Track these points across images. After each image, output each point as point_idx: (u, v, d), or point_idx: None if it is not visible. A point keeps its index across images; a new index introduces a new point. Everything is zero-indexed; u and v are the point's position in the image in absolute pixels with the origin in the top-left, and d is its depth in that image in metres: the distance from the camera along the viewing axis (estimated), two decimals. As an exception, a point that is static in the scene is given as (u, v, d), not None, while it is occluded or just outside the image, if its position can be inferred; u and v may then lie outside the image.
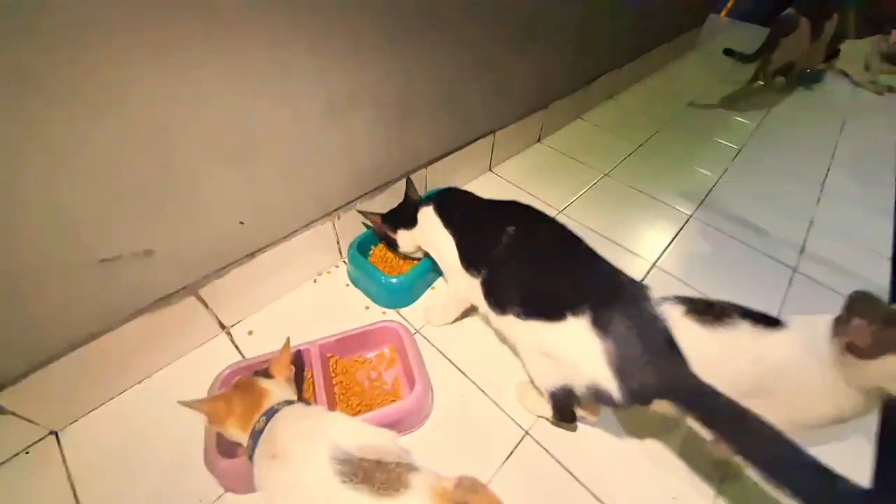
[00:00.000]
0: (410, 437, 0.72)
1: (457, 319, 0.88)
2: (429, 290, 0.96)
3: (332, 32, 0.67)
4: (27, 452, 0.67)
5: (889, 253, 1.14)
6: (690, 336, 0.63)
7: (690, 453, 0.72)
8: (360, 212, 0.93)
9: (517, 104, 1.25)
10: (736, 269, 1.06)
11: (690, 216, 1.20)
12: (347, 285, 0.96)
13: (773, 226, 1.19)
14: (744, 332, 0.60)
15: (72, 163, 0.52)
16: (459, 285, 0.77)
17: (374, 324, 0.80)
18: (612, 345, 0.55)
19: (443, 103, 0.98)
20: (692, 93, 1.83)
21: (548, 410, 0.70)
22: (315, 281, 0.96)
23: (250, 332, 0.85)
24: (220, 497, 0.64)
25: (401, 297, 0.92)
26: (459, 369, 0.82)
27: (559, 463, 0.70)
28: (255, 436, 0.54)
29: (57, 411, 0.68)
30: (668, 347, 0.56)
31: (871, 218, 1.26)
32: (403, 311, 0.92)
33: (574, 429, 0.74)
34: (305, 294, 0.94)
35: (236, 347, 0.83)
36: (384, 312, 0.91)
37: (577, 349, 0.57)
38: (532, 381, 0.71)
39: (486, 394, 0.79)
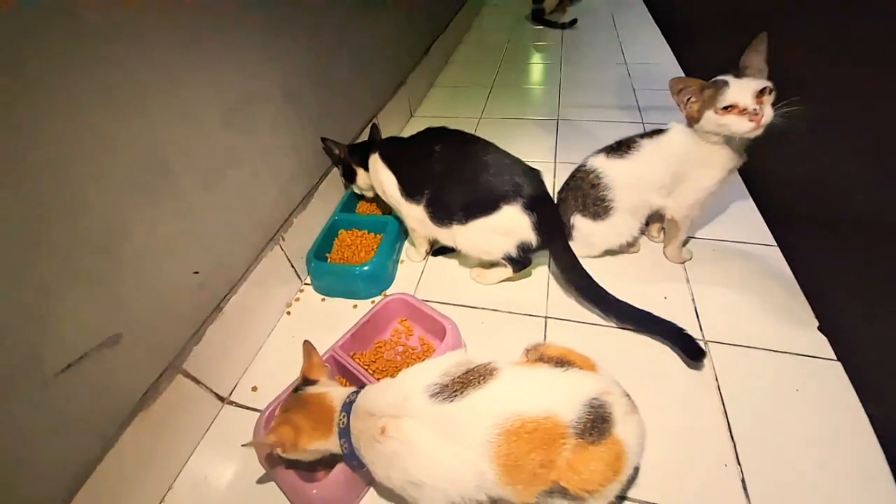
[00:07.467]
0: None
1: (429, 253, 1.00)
2: (400, 266, 0.99)
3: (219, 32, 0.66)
4: None
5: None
6: (620, 168, 0.80)
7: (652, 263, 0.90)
8: (323, 139, 0.98)
9: (383, 83, 1.33)
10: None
11: (557, 119, 1.44)
12: (323, 300, 0.93)
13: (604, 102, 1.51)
14: (648, 146, 0.78)
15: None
16: (411, 215, 0.88)
17: (375, 305, 0.80)
18: (534, 217, 0.78)
19: (327, 91, 1.00)
20: (501, 34, 2.15)
21: (507, 272, 0.88)
22: (289, 313, 0.91)
23: (254, 389, 0.78)
24: (327, 531, 0.60)
25: (381, 279, 0.93)
26: (465, 305, 0.88)
27: (583, 324, 0.82)
28: (344, 433, 0.52)
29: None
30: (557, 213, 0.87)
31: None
32: (388, 292, 0.93)
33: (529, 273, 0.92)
34: (287, 329, 0.88)
35: (248, 409, 0.75)
36: (372, 303, 0.91)
37: (513, 224, 0.78)
38: (485, 260, 0.88)
39: (498, 311, 0.86)
